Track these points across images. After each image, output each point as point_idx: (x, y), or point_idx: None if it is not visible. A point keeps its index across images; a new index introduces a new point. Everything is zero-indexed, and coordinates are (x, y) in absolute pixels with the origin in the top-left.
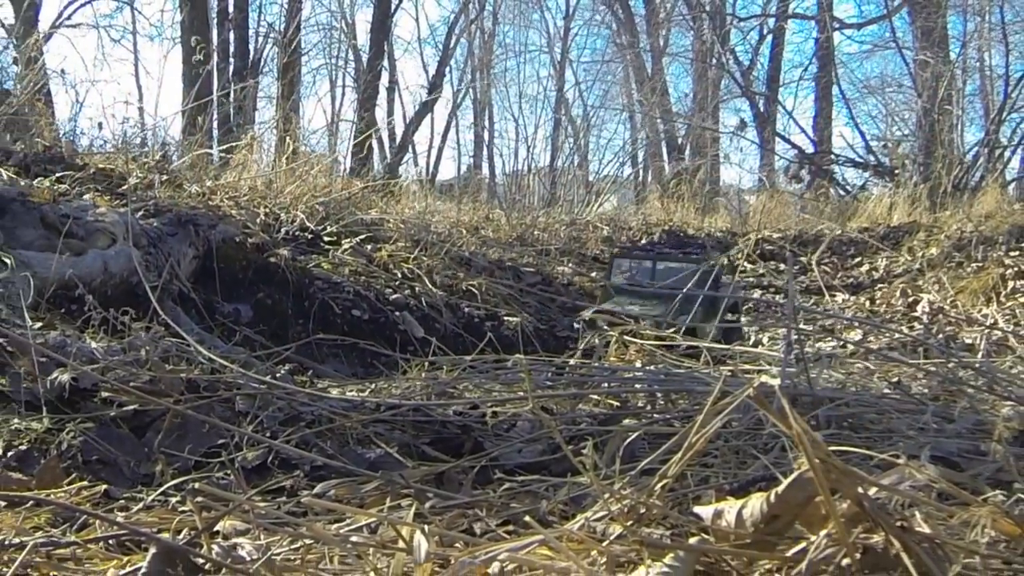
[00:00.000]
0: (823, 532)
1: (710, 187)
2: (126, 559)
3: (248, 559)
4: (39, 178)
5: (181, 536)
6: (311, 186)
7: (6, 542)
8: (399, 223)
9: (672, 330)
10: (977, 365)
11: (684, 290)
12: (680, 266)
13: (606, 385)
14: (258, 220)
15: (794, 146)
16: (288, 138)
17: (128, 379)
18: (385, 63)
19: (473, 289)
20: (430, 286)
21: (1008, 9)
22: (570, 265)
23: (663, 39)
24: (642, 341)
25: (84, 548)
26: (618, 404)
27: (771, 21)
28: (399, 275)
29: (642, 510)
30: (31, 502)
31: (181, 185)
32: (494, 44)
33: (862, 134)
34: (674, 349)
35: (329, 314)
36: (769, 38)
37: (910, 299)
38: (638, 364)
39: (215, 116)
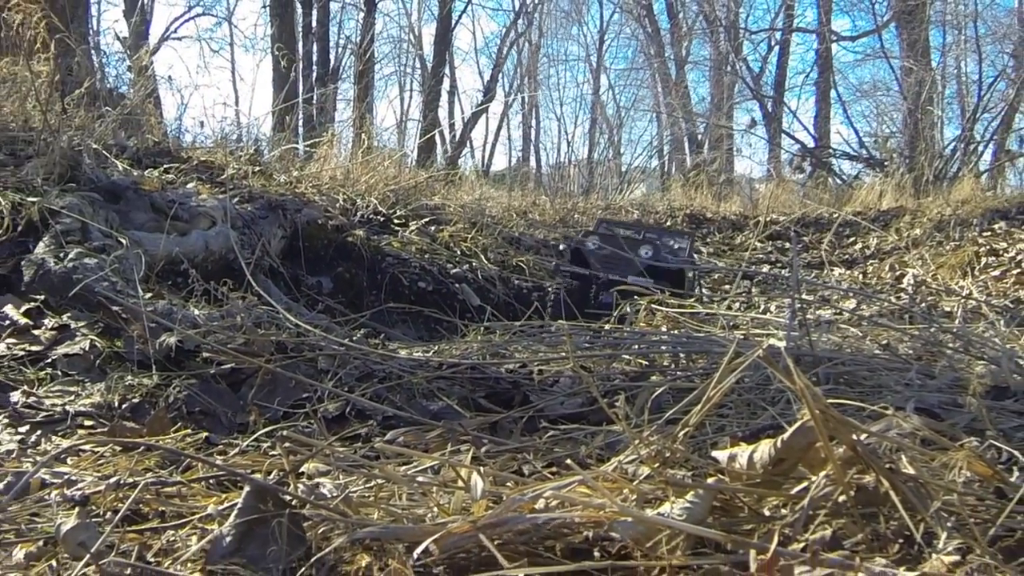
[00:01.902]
0: (822, 473)
1: (725, 177)
2: (224, 496)
3: (328, 497)
4: (149, 169)
5: (271, 477)
6: (383, 176)
7: (121, 481)
8: (458, 207)
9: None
10: (955, 330)
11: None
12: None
13: (636, 347)
14: (337, 205)
15: (797, 141)
16: (363, 135)
17: (226, 342)
18: (446, 70)
19: (522, 264)
20: (485, 262)
21: (981, 24)
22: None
23: (685, 49)
24: (667, 310)
25: (188, 487)
26: (646, 363)
27: (778, 34)
28: (458, 252)
29: (667, 454)
30: (143, 447)
31: (271, 175)
32: (539, 54)
33: (856, 131)
34: (694, 316)
35: (398, 286)
36: (776, 49)
37: (897, 273)
38: (663, 329)
39: (300, 116)
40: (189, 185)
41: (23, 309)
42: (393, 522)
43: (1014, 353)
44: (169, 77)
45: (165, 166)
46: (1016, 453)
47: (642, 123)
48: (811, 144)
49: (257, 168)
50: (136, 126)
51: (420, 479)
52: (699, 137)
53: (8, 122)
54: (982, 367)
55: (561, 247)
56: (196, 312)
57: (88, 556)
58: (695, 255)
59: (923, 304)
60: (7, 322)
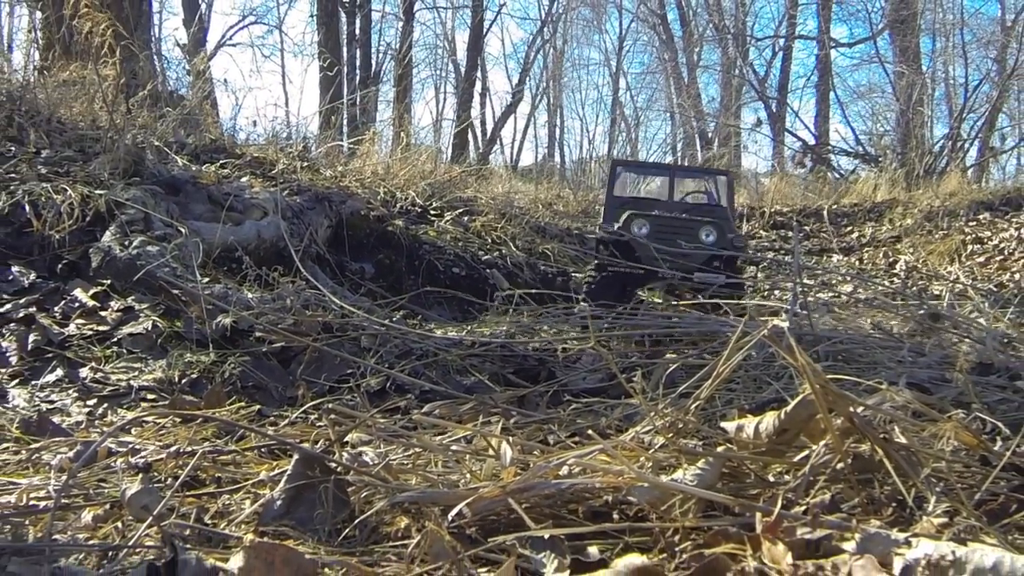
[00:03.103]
0: (822, 443)
1: (734, 171)
2: (275, 463)
3: (370, 464)
4: (206, 164)
5: (318, 445)
6: (420, 171)
7: (181, 450)
8: (489, 200)
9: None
10: (943, 311)
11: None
12: (700, 185)
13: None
14: (378, 197)
15: (799, 139)
16: (402, 133)
17: (276, 322)
18: (478, 74)
19: (548, 251)
20: (514, 249)
21: (967, 32)
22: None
23: (697, 55)
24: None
25: (242, 455)
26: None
27: (781, 41)
28: (489, 240)
29: (680, 425)
30: (200, 419)
31: (318, 170)
32: (564, 59)
33: (853, 130)
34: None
35: (434, 271)
36: (780, 54)
37: (891, 259)
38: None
39: (345, 116)
40: (243, 179)
41: (91, 292)
42: (429, 487)
43: (997, 333)
44: (225, 80)
45: (221, 162)
46: (999, 424)
47: (657, 122)
48: (812, 142)
49: (305, 163)
50: (194, 125)
51: (454, 448)
52: (709, 135)
53: (77, 121)
54: (968, 345)
55: (599, 236)
56: (249, 295)
57: (151, 518)
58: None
59: (914, 288)
60: (77, 304)
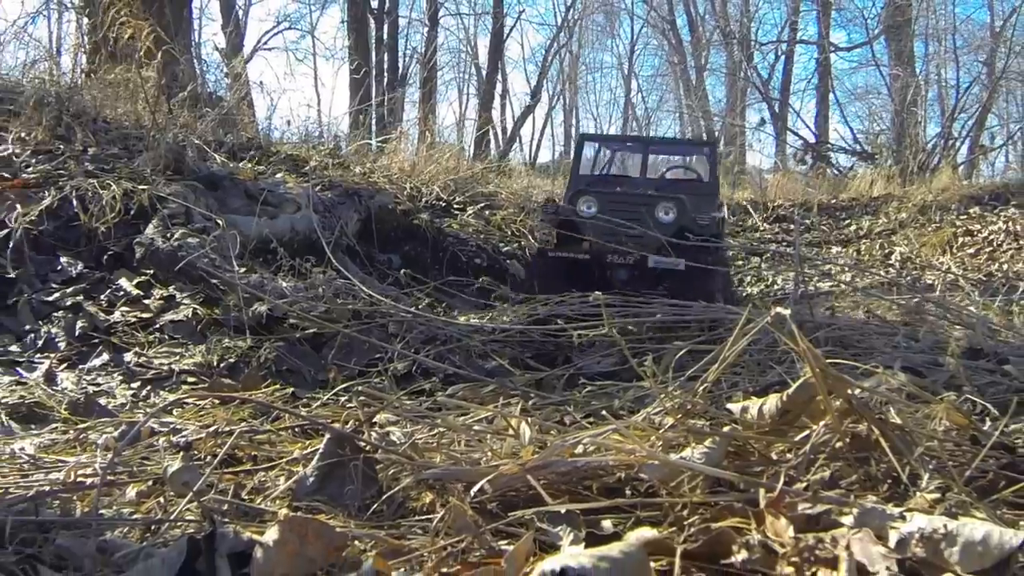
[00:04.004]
0: (822, 423)
1: (738, 168)
2: (308, 443)
3: (398, 443)
4: (243, 161)
5: (348, 426)
6: (444, 167)
7: (219, 430)
8: (509, 195)
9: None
10: (936, 299)
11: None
12: (682, 159)
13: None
14: (405, 192)
15: (800, 138)
16: (427, 132)
17: (309, 309)
18: (499, 77)
19: None
20: (532, 241)
21: (958, 37)
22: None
23: (704, 58)
24: None
25: (277, 434)
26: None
27: (784, 45)
28: (509, 233)
29: (688, 407)
30: (238, 400)
31: (348, 167)
32: (579, 63)
33: (851, 129)
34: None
35: (457, 262)
36: (782, 58)
37: (886, 251)
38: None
39: (373, 116)
40: (278, 175)
41: (135, 282)
42: (453, 465)
43: (986, 319)
44: (260, 82)
45: (257, 159)
46: (988, 406)
47: (667, 122)
48: (812, 140)
49: (336, 161)
50: (232, 125)
51: (476, 428)
52: (716, 134)
53: (122, 121)
54: (959, 331)
55: (544, 211)
56: (284, 284)
57: (191, 494)
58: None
59: (908, 277)
60: (122, 293)
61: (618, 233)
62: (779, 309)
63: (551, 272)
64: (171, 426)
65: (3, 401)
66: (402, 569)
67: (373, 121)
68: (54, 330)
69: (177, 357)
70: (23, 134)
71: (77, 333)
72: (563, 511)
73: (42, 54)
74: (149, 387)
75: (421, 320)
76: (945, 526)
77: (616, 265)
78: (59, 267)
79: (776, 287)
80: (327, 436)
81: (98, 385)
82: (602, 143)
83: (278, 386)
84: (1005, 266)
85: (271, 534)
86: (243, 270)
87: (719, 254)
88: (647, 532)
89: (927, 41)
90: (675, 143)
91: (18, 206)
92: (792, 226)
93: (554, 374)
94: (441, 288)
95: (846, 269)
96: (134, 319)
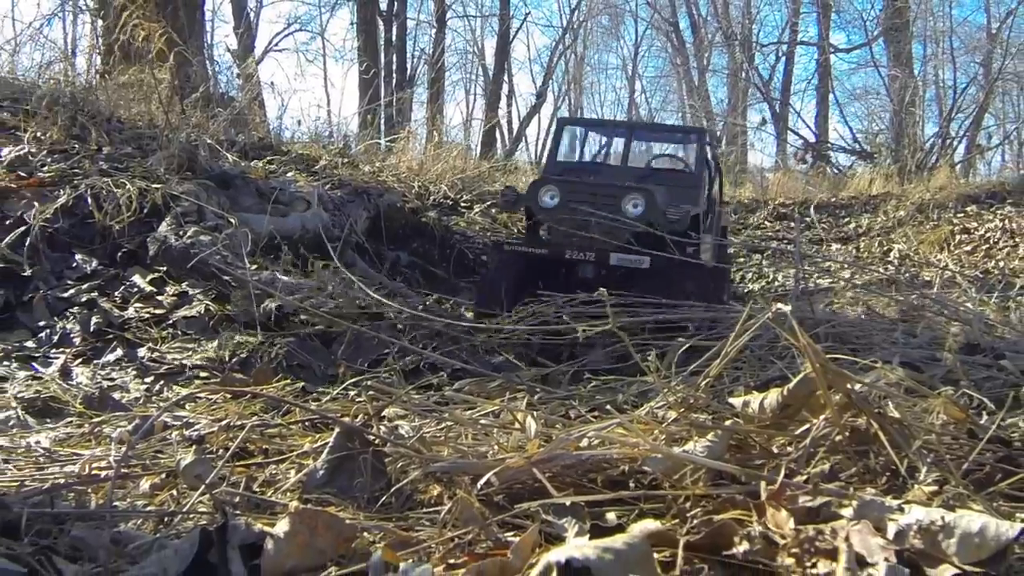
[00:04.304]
0: (822, 417)
1: (740, 167)
2: (318, 436)
3: (406, 436)
4: (255, 161)
5: (357, 419)
6: (451, 166)
7: (231, 423)
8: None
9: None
10: (933, 296)
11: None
12: (667, 147)
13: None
14: (413, 191)
15: (801, 137)
16: (434, 132)
17: (319, 306)
18: (505, 77)
19: None
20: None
21: (956, 39)
22: None
23: (706, 59)
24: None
25: (287, 428)
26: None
27: (784, 47)
28: (515, 231)
29: (691, 401)
30: (249, 395)
31: (357, 166)
32: (584, 64)
33: (850, 128)
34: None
35: (464, 259)
36: (783, 59)
37: (885, 248)
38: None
39: (382, 116)
40: (288, 174)
41: (148, 279)
42: (460, 458)
43: (983, 315)
44: (272, 83)
45: (268, 158)
46: (985, 400)
47: (670, 122)
48: (812, 139)
49: (345, 160)
50: (244, 124)
51: (483, 422)
52: (718, 133)
53: (136, 121)
54: (956, 327)
55: (502, 199)
56: (294, 281)
57: (203, 486)
58: (713, 163)
59: (907, 274)
60: (135, 289)
61: (581, 226)
62: (779, 305)
63: (508, 268)
64: (184, 420)
65: (19, 395)
66: (410, 560)
67: (382, 121)
68: (69, 326)
69: (189, 352)
70: (39, 134)
71: (92, 329)
72: (568, 503)
73: (57, 55)
74: (162, 382)
75: (426, 321)
76: (943, 518)
77: (579, 262)
78: (74, 264)
79: (777, 283)
80: (337, 430)
81: (112, 380)
82: (583, 127)
83: (288, 381)
84: (1001, 263)
85: (282, 526)
86: (254, 267)
87: (722, 251)
88: (650, 524)
89: (925, 43)
90: (662, 129)
91: (36, 204)
92: (793, 224)
93: (559, 369)
94: (447, 284)
95: (845, 266)
96: (147, 315)
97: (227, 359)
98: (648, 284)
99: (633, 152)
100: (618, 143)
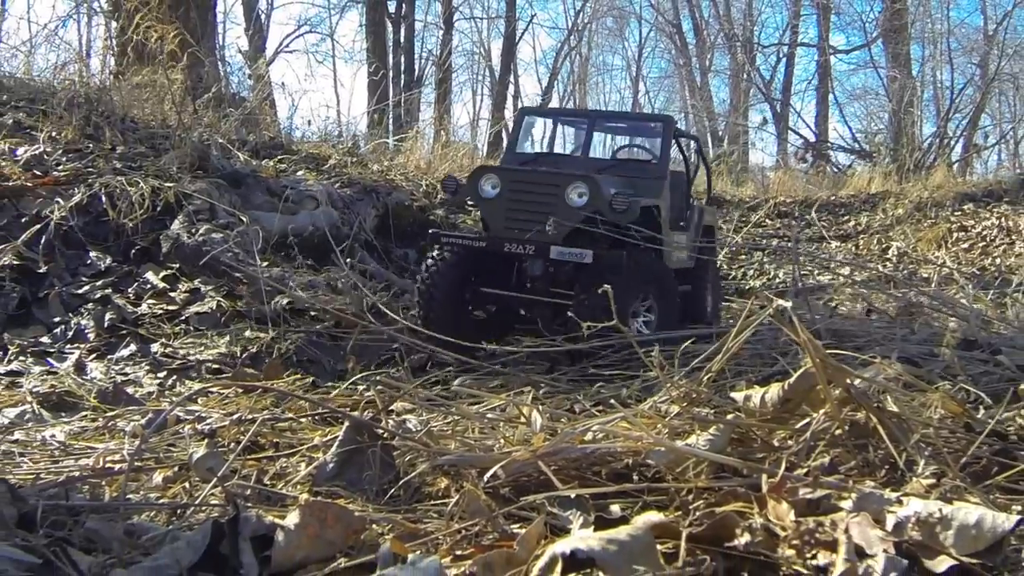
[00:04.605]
0: (822, 411)
1: (741, 166)
2: (327, 430)
3: (414, 430)
4: (266, 160)
5: (366, 414)
6: (459, 165)
7: (242, 417)
8: None
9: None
10: (931, 292)
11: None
12: (635, 139)
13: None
14: (421, 189)
15: (801, 137)
16: (442, 131)
17: (328, 302)
18: (511, 78)
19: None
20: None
21: (953, 40)
22: None
23: (708, 61)
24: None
25: (297, 422)
26: None
27: (785, 48)
28: None
29: (693, 395)
30: (260, 389)
31: (366, 164)
32: (588, 65)
33: (850, 128)
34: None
35: None
36: (784, 60)
37: (883, 245)
38: None
39: (391, 116)
40: (298, 173)
41: (161, 275)
42: (467, 451)
43: (980, 312)
44: (282, 83)
45: (279, 157)
46: (982, 395)
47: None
48: (813, 139)
49: (355, 159)
50: (255, 124)
51: (489, 416)
52: (720, 133)
53: (149, 121)
54: (953, 323)
55: (443, 188)
56: (304, 278)
57: (215, 479)
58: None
59: (905, 271)
60: (148, 286)
61: (520, 218)
62: (780, 302)
63: (450, 263)
64: (196, 414)
65: (35, 390)
66: (418, 551)
67: (390, 121)
68: (84, 322)
69: (201, 348)
70: (54, 133)
71: (106, 325)
72: (573, 496)
73: (72, 56)
74: (175, 376)
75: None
76: (940, 510)
77: (523, 256)
78: (88, 261)
79: (778, 280)
80: (346, 424)
81: (126, 375)
82: (545, 117)
83: (299, 376)
84: (998, 260)
85: (292, 518)
86: (265, 264)
87: (706, 253)
88: (654, 516)
89: (923, 44)
90: (625, 118)
91: (60, 200)
92: (793, 222)
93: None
94: None
95: (843, 264)
96: (160, 311)
97: (238, 354)
98: (599, 282)
99: (600, 143)
100: (581, 134)
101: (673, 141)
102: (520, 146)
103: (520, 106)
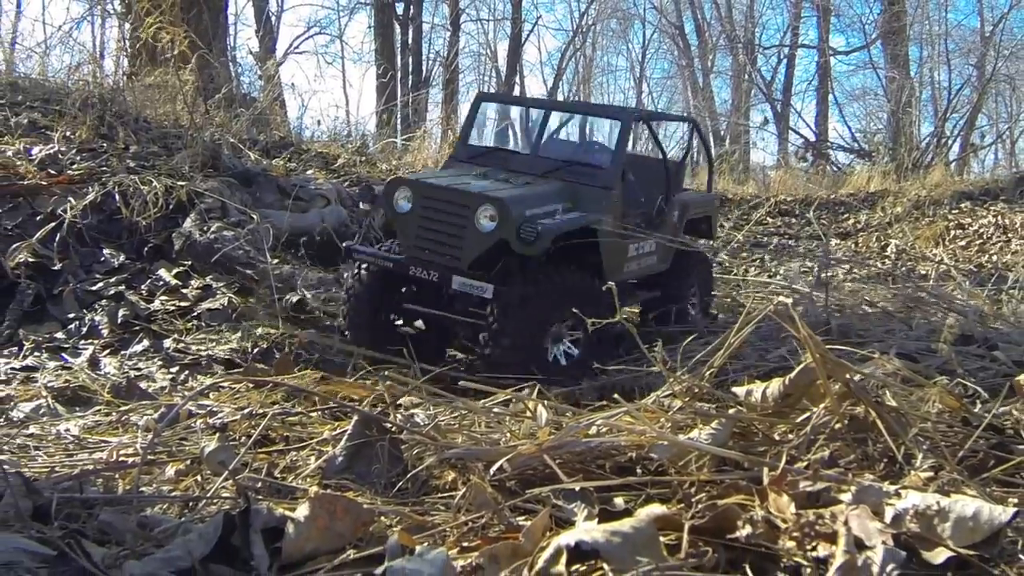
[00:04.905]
0: (822, 405)
1: (743, 165)
2: (337, 424)
3: (421, 424)
4: (276, 159)
5: (375, 408)
6: None
7: (253, 412)
8: None
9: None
10: (929, 289)
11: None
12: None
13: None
14: None
15: (801, 136)
16: (449, 131)
17: (337, 299)
18: (517, 79)
19: None
20: None
21: (951, 42)
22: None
23: (711, 62)
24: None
25: (307, 416)
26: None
27: (786, 49)
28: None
29: (696, 390)
30: (271, 384)
31: (375, 163)
32: (593, 66)
33: (849, 128)
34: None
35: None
36: (785, 61)
37: (882, 243)
38: None
39: (398, 116)
40: (308, 171)
41: (174, 272)
42: (474, 445)
43: (977, 308)
44: (292, 84)
45: (289, 156)
46: (979, 389)
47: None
48: (813, 139)
49: (363, 158)
50: (265, 124)
51: (495, 410)
52: (722, 133)
53: (162, 121)
54: (951, 319)
55: (360, 197)
56: (313, 275)
57: (227, 472)
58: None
59: (903, 268)
60: (161, 283)
61: (430, 238)
62: (781, 298)
63: (365, 280)
64: (208, 408)
65: (50, 385)
66: (425, 543)
67: (398, 121)
68: (97, 318)
69: (213, 343)
70: (68, 133)
71: (119, 321)
72: (578, 489)
73: (86, 58)
74: (187, 371)
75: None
76: (938, 503)
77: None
78: (102, 258)
79: (779, 277)
80: (355, 418)
81: (139, 370)
82: (503, 104)
83: (308, 371)
84: (994, 257)
85: (302, 510)
86: (275, 261)
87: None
88: (657, 508)
89: (921, 45)
90: (586, 109)
91: (74, 199)
92: (794, 220)
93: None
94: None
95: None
96: (173, 307)
97: (249, 350)
98: (504, 315)
99: (565, 134)
100: (536, 126)
101: (648, 130)
102: (479, 136)
103: (479, 91)
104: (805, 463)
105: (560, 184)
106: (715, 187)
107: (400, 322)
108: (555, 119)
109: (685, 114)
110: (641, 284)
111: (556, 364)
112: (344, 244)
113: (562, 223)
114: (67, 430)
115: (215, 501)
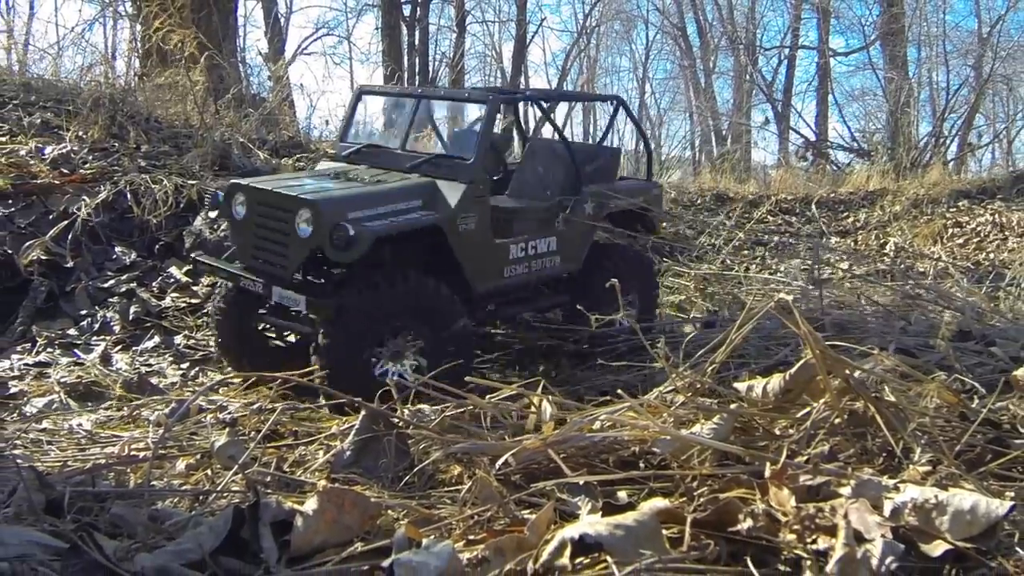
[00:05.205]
0: (822, 401)
1: (744, 164)
2: (344, 419)
3: (428, 419)
4: (285, 158)
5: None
6: None
7: (263, 407)
8: None
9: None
10: (927, 286)
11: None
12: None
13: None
14: None
15: (802, 136)
16: None
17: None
18: (521, 80)
19: None
20: None
21: (949, 43)
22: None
23: (712, 62)
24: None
25: (316, 411)
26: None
27: (787, 50)
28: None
29: (698, 386)
30: (280, 380)
31: None
32: (597, 66)
33: (849, 128)
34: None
35: None
36: (785, 62)
37: (881, 241)
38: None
39: None
40: None
41: (184, 270)
42: (479, 440)
43: (974, 305)
44: (301, 84)
45: (297, 156)
46: (976, 385)
47: (678, 121)
48: (813, 138)
49: None
50: (274, 124)
51: (501, 405)
52: (723, 132)
53: (172, 121)
54: (949, 316)
55: (211, 203)
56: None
57: (236, 466)
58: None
59: (902, 265)
60: (172, 280)
61: (263, 247)
62: (782, 295)
63: (223, 293)
64: (218, 403)
65: (62, 380)
66: (432, 536)
67: None
68: (109, 315)
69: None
70: (80, 133)
71: (131, 317)
72: (582, 483)
73: (98, 59)
74: (197, 367)
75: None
76: (936, 496)
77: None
78: (114, 256)
79: (779, 274)
80: (363, 413)
81: (150, 366)
82: (382, 95)
83: (318, 367)
84: (992, 255)
85: (311, 504)
86: None
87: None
88: (659, 502)
89: (919, 46)
90: (452, 95)
91: (86, 198)
92: (794, 219)
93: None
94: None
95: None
96: (183, 304)
97: None
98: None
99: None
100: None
101: (542, 112)
102: (353, 133)
103: (359, 84)
104: (805, 457)
105: (419, 181)
106: (656, 175)
107: (273, 335)
108: (427, 109)
109: (613, 94)
110: (553, 287)
111: (386, 381)
112: (192, 254)
113: (389, 225)
114: (79, 425)
115: (225, 495)
